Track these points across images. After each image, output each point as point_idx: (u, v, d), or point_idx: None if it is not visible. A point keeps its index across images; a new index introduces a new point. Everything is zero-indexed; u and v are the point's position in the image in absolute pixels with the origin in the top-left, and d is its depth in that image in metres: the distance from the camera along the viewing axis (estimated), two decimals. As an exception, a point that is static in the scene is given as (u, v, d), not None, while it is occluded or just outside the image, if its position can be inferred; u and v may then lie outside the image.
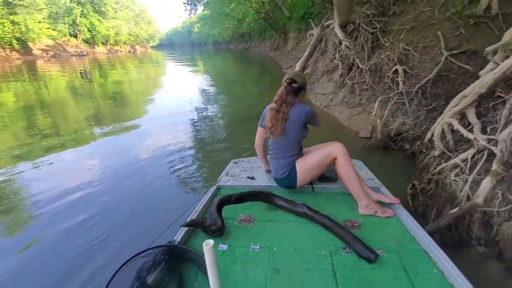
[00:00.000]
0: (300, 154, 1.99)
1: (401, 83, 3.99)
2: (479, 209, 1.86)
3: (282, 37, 19.85)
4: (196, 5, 28.82)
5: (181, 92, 9.65)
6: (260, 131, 2.11)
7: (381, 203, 1.80)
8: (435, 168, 2.52)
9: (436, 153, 2.70)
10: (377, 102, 4.12)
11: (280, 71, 12.57)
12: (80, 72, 16.27)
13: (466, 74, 3.44)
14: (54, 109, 7.05)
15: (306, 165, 1.90)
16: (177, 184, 3.12)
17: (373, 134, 3.97)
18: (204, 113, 6.59)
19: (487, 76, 2.41)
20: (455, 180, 2.21)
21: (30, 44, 29.85)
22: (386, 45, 4.70)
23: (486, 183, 1.87)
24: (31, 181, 3.28)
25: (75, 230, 2.38)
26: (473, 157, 2.22)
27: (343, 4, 5.10)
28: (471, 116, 2.48)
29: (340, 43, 5.61)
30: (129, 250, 1.99)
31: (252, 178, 2.19)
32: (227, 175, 2.26)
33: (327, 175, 2.07)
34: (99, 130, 5.21)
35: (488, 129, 2.32)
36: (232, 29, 38.90)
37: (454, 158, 2.39)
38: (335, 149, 1.82)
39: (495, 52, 2.69)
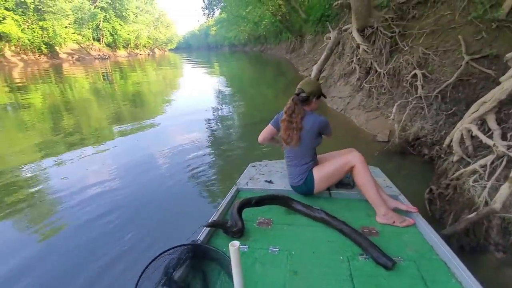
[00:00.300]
0: (315, 160, 2.03)
1: (420, 87, 3.95)
2: (497, 215, 1.85)
3: (298, 39, 19.75)
4: (213, 9, 29.41)
5: (197, 93, 9.88)
6: (268, 129, 2.09)
7: (398, 211, 1.79)
8: (453, 174, 2.50)
9: (455, 158, 2.67)
10: (395, 106, 4.08)
11: (296, 73, 12.57)
12: (102, 75, 16.93)
13: (487, 78, 3.38)
14: (77, 110, 7.40)
15: (324, 173, 1.92)
16: (193, 184, 3.18)
17: (390, 139, 3.95)
18: (220, 114, 6.73)
19: (507, 83, 2.38)
20: (473, 185, 2.20)
21: (57, 48, 31.39)
22: (405, 49, 4.65)
23: (504, 189, 1.85)
24: (54, 176, 3.47)
25: (95, 225, 2.48)
26: (492, 163, 2.20)
27: (361, 8, 5.07)
28: (491, 122, 2.45)
29: (358, 47, 5.58)
30: (144, 244, 2.10)
31: (270, 182, 2.26)
32: (246, 178, 2.32)
33: (345, 181, 2.09)
34: (119, 129, 5.43)
35: (508, 135, 2.29)
36: (248, 32, 39.26)
37: (473, 164, 2.36)
38: (353, 157, 1.84)
39: (516, 58, 2.64)
